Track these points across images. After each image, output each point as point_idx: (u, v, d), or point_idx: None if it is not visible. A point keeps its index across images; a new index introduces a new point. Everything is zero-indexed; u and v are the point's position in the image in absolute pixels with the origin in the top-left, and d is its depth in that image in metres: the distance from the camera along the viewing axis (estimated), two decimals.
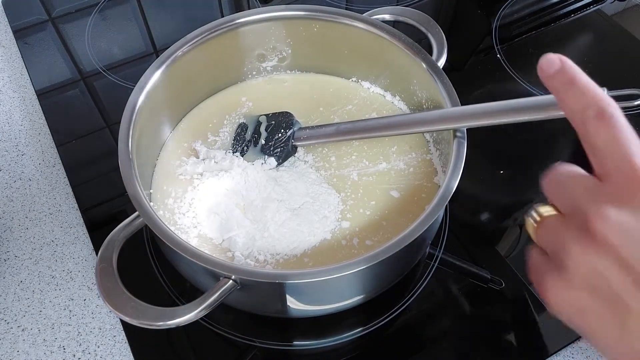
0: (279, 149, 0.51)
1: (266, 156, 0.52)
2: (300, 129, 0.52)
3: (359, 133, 0.50)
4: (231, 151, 0.53)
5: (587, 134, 0.27)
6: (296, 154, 0.53)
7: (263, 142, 0.52)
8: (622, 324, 0.24)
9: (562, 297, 0.27)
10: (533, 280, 0.29)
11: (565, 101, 0.28)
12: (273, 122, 0.53)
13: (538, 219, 0.29)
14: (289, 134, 0.52)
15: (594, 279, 0.25)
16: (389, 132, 0.49)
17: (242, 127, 0.55)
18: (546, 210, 0.29)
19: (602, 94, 0.27)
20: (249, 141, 0.53)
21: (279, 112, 0.54)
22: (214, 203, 0.49)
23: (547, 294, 0.27)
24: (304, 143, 0.52)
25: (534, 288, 0.49)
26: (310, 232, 0.47)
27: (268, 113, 0.55)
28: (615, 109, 0.26)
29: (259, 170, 0.51)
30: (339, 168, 0.52)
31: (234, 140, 0.54)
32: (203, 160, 0.52)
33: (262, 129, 0.53)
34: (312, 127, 0.52)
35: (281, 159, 0.52)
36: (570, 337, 0.47)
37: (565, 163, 0.28)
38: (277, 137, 0.52)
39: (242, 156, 0.52)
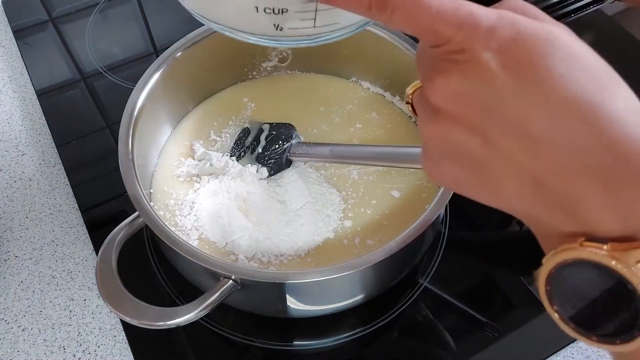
0: (272, 161, 0.51)
1: (260, 165, 0.52)
2: (298, 143, 0.52)
3: (352, 159, 0.50)
4: (228, 154, 0.53)
5: (389, 25, 0.24)
6: (293, 158, 0.53)
7: (260, 150, 0.52)
8: (493, 189, 0.24)
9: (434, 173, 0.26)
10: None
11: (351, 9, 0.24)
12: (274, 133, 0.53)
13: (410, 94, 0.27)
14: (285, 147, 0.52)
15: (449, 153, 0.24)
16: (382, 163, 0.49)
17: (245, 132, 0.55)
18: (416, 84, 0.27)
19: None
20: (247, 147, 0.53)
21: (282, 123, 0.54)
22: (215, 207, 0.49)
23: (426, 172, 0.26)
24: (298, 158, 0.52)
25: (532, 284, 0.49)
26: (314, 231, 0.47)
27: (272, 122, 0.55)
28: None
29: (256, 174, 0.51)
30: (339, 167, 0.52)
31: (234, 144, 0.54)
32: (199, 161, 0.52)
33: (263, 137, 0.53)
34: (309, 144, 0.52)
35: (273, 171, 0.52)
36: (570, 337, 0.47)
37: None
38: (274, 148, 0.52)
39: (237, 161, 0.52)
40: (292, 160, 0.52)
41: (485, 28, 0.22)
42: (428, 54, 0.24)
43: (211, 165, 0.51)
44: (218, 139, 0.55)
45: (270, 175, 0.51)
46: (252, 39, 0.32)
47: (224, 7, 0.32)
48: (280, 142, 0.52)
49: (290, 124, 0.54)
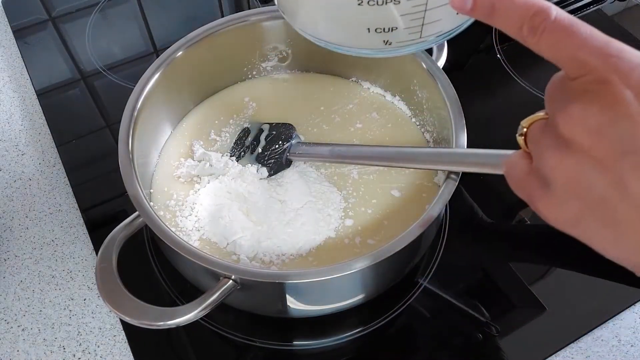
0: (272, 161, 0.51)
1: (260, 165, 0.52)
2: (298, 143, 0.52)
3: (352, 159, 0.50)
4: (228, 154, 0.53)
5: (535, 48, 0.25)
6: (293, 158, 0.53)
7: (260, 150, 0.52)
8: (614, 231, 0.23)
9: (553, 212, 0.25)
10: (520, 195, 0.27)
11: (502, 27, 0.26)
12: (274, 132, 0.53)
13: (525, 127, 0.26)
14: (285, 147, 0.52)
15: (576, 187, 0.23)
16: (382, 163, 0.49)
17: (245, 132, 0.55)
18: (533, 117, 0.26)
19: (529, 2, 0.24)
20: (247, 147, 0.53)
21: (282, 123, 0.54)
22: (216, 207, 0.49)
23: (539, 210, 0.25)
24: (298, 158, 0.52)
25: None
26: (315, 230, 0.47)
27: (272, 122, 0.55)
28: (548, 10, 0.24)
29: (256, 173, 0.51)
30: (339, 166, 0.52)
31: (234, 144, 0.54)
32: (199, 162, 0.52)
33: (263, 137, 0.53)
34: (309, 144, 0.52)
35: (273, 171, 0.52)
36: (570, 337, 0.47)
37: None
38: (274, 147, 0.52)
39: (237, 161, 0.52)
40: (292, 160, 0.52)
41: (635, 64, 0.21)
42: (563, 85, 0.24)
43: (211, 165, 0.51)
44: (218, 138, 0.55)
45: (270, 175, 0.51)
46: (358, 52, 0.35)
47: (337, 29, 0.34)
48: (280, 142, 0.52)
49: (290, 124, 0.54)
